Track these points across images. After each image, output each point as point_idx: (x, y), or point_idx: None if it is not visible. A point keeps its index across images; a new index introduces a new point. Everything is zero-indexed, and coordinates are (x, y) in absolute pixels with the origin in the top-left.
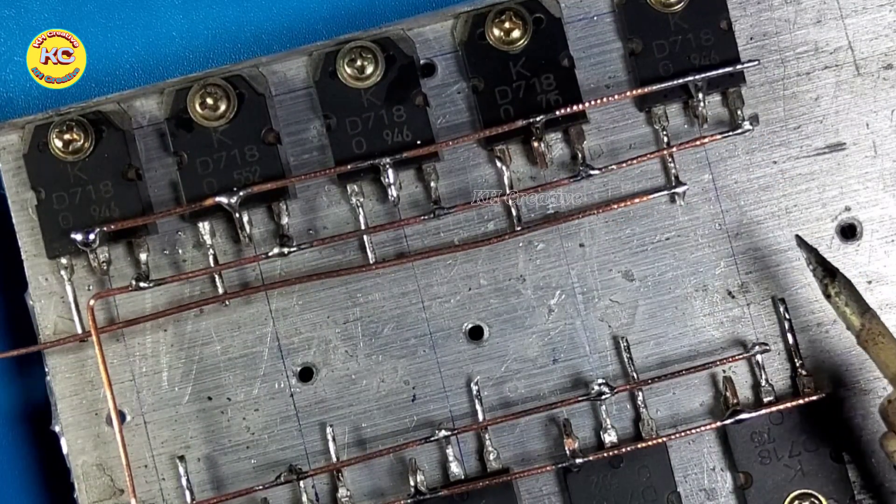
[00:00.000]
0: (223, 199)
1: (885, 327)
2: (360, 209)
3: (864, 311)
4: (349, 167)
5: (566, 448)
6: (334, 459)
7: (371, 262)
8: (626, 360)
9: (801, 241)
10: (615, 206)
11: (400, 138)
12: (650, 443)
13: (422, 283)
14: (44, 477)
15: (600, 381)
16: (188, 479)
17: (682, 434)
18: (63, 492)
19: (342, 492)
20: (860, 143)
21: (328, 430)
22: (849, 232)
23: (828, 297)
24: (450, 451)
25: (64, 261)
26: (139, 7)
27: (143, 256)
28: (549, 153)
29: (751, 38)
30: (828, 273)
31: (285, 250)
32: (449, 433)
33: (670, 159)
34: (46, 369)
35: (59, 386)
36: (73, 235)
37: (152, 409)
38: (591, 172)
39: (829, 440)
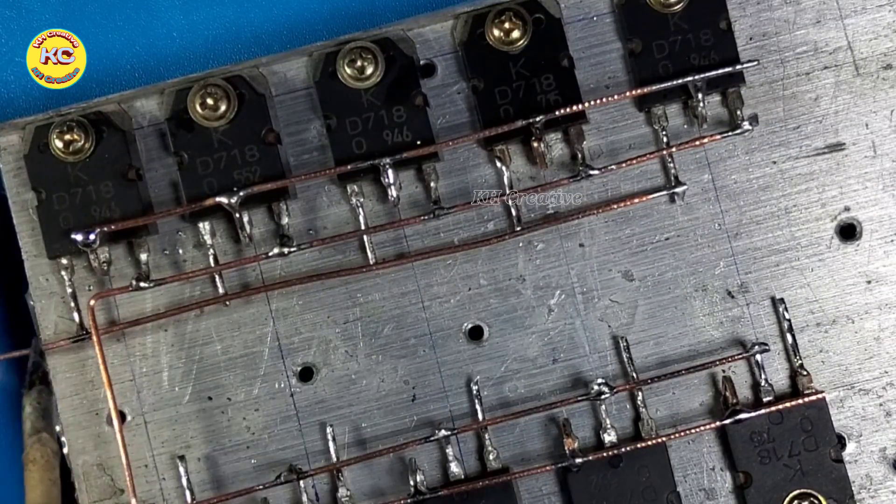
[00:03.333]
0: (223, 199)
1: (44, 456)
2: (360, 209)
3: (36, 433)
4: (349, 167)
5: (566, 448)
6: (334, 459)
7: (371, 262)
8: (625, 359)
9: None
10: (615, 206)
11: (400, 138)
12: (650, 442)
13: (422, 283)
14: None
15: (600, 380)
16: (188, 479)
17: (682, 434)
18: (63, 492)
19: (342, 491)
20: (859, 144)
21: (328, 429)
22: (848, 232)
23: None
24: (450, 450)
25: (64, 261)
26: (139, 7)
27: (143, 256)
28: (548, 153)
29: (750, 39)
30: (29, 384)
31: (285, 250)
32: (449, 433)
33: (670, 159)
34: (47, 369)
35: (60, 386)
36: (73, 236)
37: (152, 408)
38: (591, 172)
39: (829, 440)
